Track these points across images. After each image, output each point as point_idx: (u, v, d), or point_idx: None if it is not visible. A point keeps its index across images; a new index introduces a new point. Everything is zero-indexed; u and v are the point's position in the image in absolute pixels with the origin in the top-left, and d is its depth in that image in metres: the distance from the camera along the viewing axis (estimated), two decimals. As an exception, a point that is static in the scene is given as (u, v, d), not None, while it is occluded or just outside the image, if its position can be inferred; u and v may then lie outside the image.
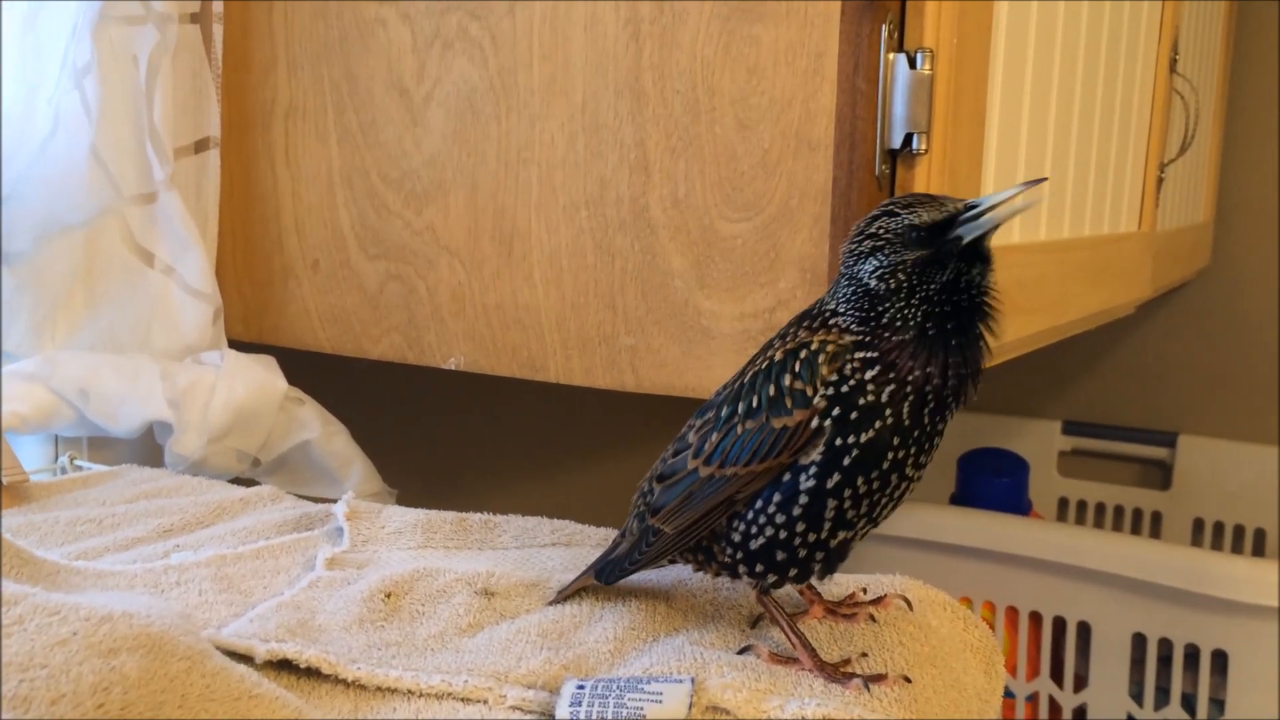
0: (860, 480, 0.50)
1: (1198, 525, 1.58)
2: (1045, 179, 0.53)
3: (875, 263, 0.51)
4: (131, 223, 0.84)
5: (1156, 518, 1.60)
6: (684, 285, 0.73)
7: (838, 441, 0.50)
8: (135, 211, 0.83)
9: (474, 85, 0.79)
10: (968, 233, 0.51)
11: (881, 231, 0.51)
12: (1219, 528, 1.57)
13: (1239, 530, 1.55)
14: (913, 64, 0.67)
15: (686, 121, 0.72)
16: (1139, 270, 1.13)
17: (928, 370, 0.50)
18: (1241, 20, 1.53)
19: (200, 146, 0.87)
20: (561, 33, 0.75)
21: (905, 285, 0.51)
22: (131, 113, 0.82)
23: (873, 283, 0.51)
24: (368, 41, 0.83)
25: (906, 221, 0.51)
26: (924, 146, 0.68)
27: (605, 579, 0.58)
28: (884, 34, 0.67)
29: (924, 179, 0.69)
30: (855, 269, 0.52)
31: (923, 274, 0.51)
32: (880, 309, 0.51)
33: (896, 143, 0.68)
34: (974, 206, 0.51)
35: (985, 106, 0.75)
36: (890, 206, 0.52)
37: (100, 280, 0.84)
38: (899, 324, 0.51)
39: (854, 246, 0.52)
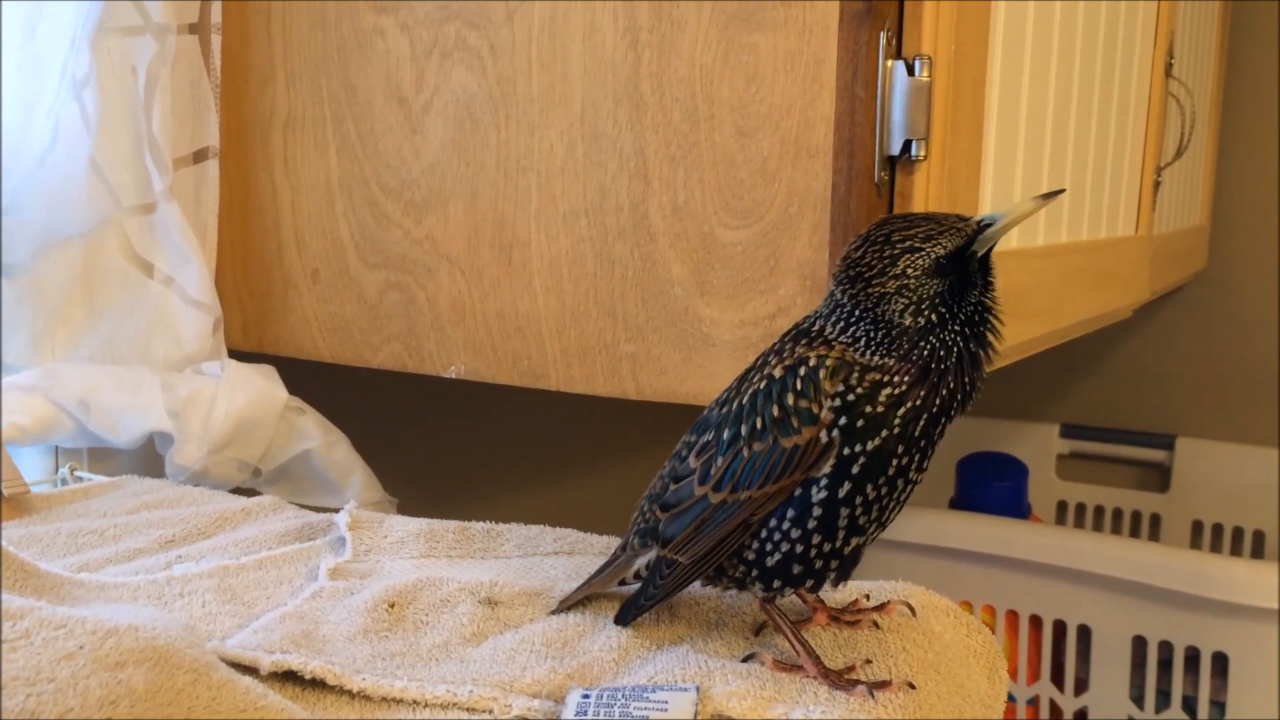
0: (870, 487, 0.51)
1: (1196, 528, 1.58)
2: (1063, 190, 0.53)
3: (904, 301, 0.51)
4: (131, 233, 0.84)
5: (1155, 520, 1.61)
6: (684, 292, 0.73)
7: (846, 451, 0.50)
8: (134, 222, 0.83)
9: (473, 94, 0.79)
10: (982, 246, 0.51)
11: (909, 270, 0.51)
12: (1218, 530, 1.57)
13: (1238, 532, 1.55)
14: (911, 71, 0.67)
15: (685, 129, 0.72)
16: (1137, 274, 1.13)
17: (949, 391, 0.51)
18: (1236, 23, 1.53)
19: (199, 157, 0.87)
20: (560, 41, 0.75)
21: (946, 315, 0.51)
22: (130, 123, 0.82)
23: (907, 320, 0.51)
24: (366, 51, 0.83)
25: (934, 256, 0.51)
26: (923, 153, 0.68)
27: (624, 620, 0.58)
28: (882, 41, 0.67)
29: (923, 185, 0.69)
30: (880, 309, 0.51)
31: (958, 299, 0.51)
32: (924, 343, 0.51)
33: (895, 149, 0.68)
34: (989, 224, 0.51)
35: (983, 112, 0.75)
36: (908, 241, 0.51)
37: (100, 291, 0.84)
38: (942, 353, 0.51)
39: (876, 288, 0.51)
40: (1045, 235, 0.89)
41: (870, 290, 0.51)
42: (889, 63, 0.68)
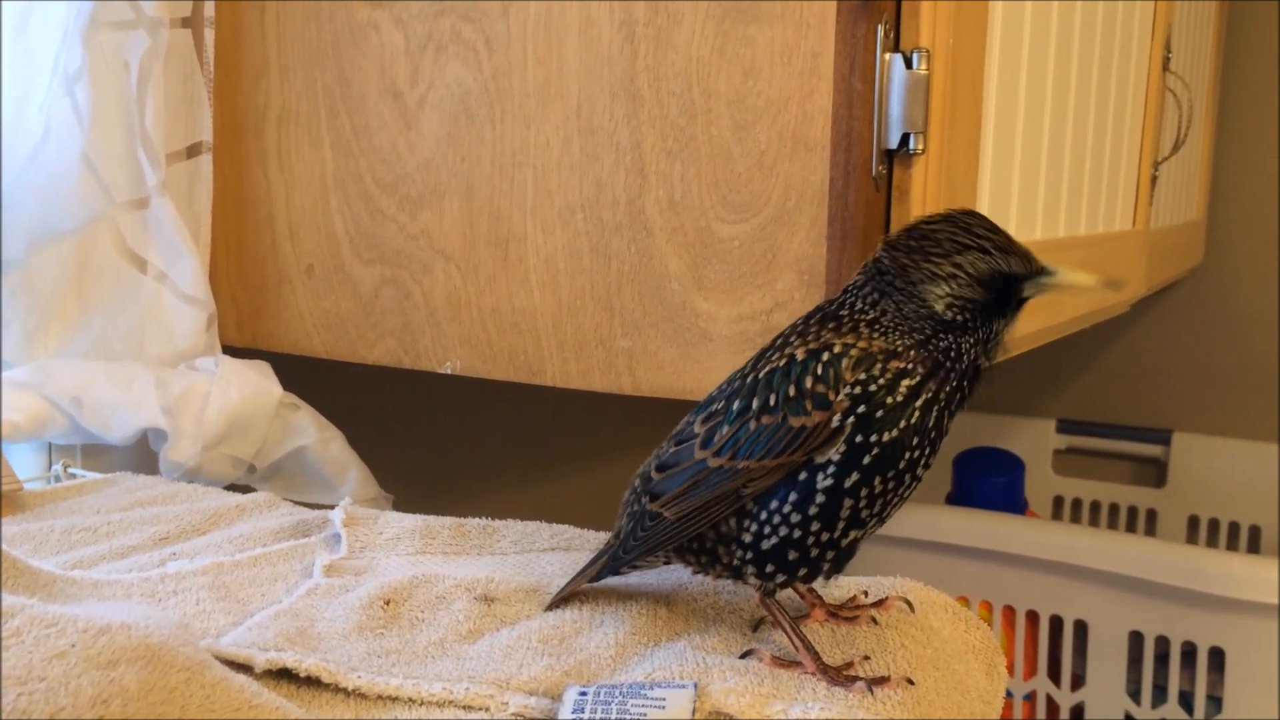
0: (878, 479, 0.51)
1: (1193, 523, 1.58)
2: (1123, 283, 0.54)
3: (948, 289, 0.51)
4: (124, 229, 0.83)
5: (1151, 515, 1.61)
6: (681, 287, 0.73)
7: (858, 439, 0.50)
8: (127, 218, 0.83)
9: (468, 88, 0.79)
10: (1034, 290, 0.52)
11: (967, 267, 0.51)
12: (1214, 525, 1.57)
13: (1234, 527, 1.55)
14: (909, 64, 0.67)
15: (682, 123, 0.72)
16: (1134, 268, 1.13)
17: (953, 388, 0.51)
18: (1233, 18, 1.53)
19: (192, 152, 0.87)
20: (556, 35, 0.75)
21: (971, 324, 0.52)
22: (123, 118, 0.81)
23: (940, 307, 0.51)
24: (360, 45, 0.83)
25: (995, 266, 0.51)
26: (921, 146, 0.68)
27: (601, 577, 0.58)
28: (880, 34, 0.67)
29: (921, 179, 0.69)
30: (922, 288, 0.51)
31: (986, 318, 0.52)
32: (942, 337, 0.51)
33: (893, 143, 0.68)
34: (1050, 273, 0.52)
35: (981, 106, 0.75)
36: (986, 241, 0.51)
37: (93, 287, 0.83)
38: (953, 355, 0.51)
39: (932, 267, 0.51)
40: (1043, 229, 0.89)
41: (925, 264, 0.51)
42: (887, 56, 0.67)
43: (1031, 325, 0.84)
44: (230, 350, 0.88)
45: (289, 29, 0.85)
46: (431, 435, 1.21)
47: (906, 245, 0.52)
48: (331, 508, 0.72)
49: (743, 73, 0.70)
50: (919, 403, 0.50)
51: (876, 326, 0.52)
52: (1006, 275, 0.51)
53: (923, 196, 0.69)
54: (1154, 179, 1.16)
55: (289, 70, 0.86)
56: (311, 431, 0.86)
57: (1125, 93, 1.05)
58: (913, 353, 0.51)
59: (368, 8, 0.82)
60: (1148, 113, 1.12)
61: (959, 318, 0.51)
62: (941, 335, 0.51)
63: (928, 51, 0.67)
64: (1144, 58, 1.10)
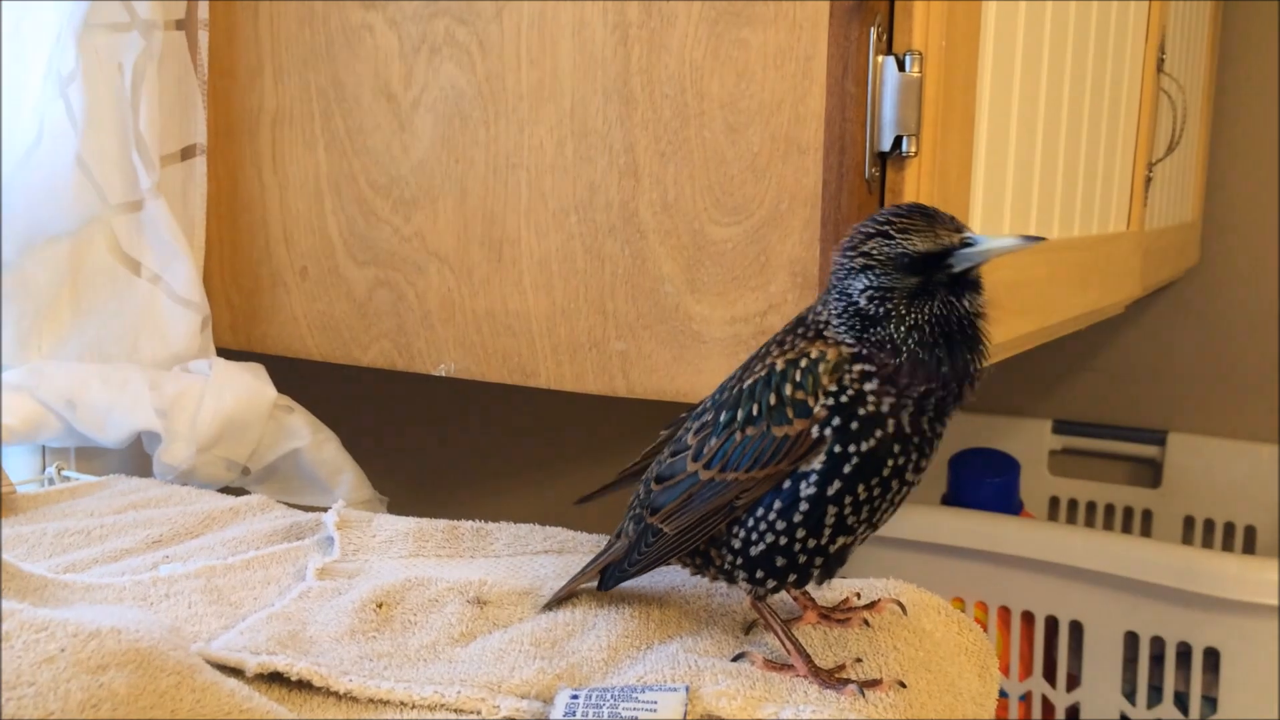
0: (861, 488, 0.51)
1: (1188, 523, 1.58)
2: (1044, 239, 0.52)
3: (865, 281, 0.51)
4: (118, 231, 0.83)
5: (1147, 516, 1.61)
6: (674, 290, 0.73)
7: (838, 449, 0.50)
8: (121, 220, 0.83)
9: (462, 90, 0.79)
10: (959, 262, 0.50)
11: (874, 252, 0.51)
12: (1209, 525, 1.57)
13: (1229, 527, 1.55)
14: (902, 66, 0.67)
15: (676, 125, 0.72)
16: (1128, 270, 1.13)
17: (926, 385, 0.50)
18: (1228, 19, 1.53)
19: (186, 154, 0.87)
20: (549, 37, 0.75)
21: (894, 312, 0.51)
22: (117, 120, 0.81)
23: (862, 302, 0.51)
24: (354, 47, 0.83)
25: (899, 249, 0.50)
26: (914, 149, 0.68)
27: (605, 585, 0.58)
28: (872, 36, 0.67)
29: (914, 181, 0.69)
30: (846, 284, 0.52)
31: (911, 303, 0.51)
32: (872, 330, 0.51)
33: (886, 145, 0.68)
34: (970, 243, 0.50)
35: (974, 108, 0.75)
36: (885, 227, 0.51)
37: (87, 289, 0.83)
38: (889, 346, 0.51)
39: (845, 261, 0.52)
40: (1036, 231, 0.89)
41: (842, 259, 0.52)
42: (879, 58, 0.67)
43: (1026, 326, 0.84)
44: (224, 353, 0.88)
45: (283, 31, 0.85)
46: (425, 437, 1.21)
47: (840, 245, 0.53)
48: (325, 510, 0.72)
49: (736, 75, 0.70)
50: (885, 408, 0.50)
51: (832, 329, 0.52)
52: (913, 256, 0.50)
53: (915, 199, 0.69)
54: (1148, 180, 1.16)
55: (283, 72, 0.86)
56: (305, 434, 0.86)
57: (1119, 94, 1.05)
58: (864, 351, 0.51)
59: (361, 10, 0.82)
60: (1142, 114, 1.12)
61: (880, 308, 0.51)
62: (874, 329, 0.51)
63: (920, 54, 0.67)
64: (1138, 59, 1.10)
